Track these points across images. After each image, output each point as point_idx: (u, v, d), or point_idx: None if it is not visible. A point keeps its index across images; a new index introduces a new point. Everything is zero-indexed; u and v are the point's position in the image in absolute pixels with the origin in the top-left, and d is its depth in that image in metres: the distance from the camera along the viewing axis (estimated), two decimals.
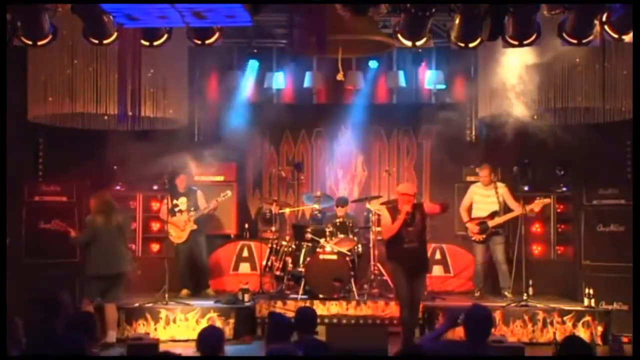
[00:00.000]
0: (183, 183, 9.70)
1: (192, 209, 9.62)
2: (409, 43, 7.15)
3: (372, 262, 9.50)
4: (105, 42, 6.98)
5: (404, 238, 7.71)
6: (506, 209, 9.36)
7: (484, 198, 9.40)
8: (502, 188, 9.39)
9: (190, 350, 7.99)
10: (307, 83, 11.00)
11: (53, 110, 8.94)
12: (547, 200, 9.39)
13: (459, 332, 5.21)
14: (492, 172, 9.44)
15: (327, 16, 6.81)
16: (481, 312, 4.68)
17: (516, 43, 6.80)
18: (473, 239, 9.44)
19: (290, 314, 8.17)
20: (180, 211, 9.62)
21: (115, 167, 10.16)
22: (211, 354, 4.51)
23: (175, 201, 9.64)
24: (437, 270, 10.33)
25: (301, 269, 9.27)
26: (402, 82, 10.96)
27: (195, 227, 9.62)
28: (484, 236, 9.32)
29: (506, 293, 9.18)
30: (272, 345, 4.73)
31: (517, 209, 9.10)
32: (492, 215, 9.26)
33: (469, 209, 9.54)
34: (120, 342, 8.04)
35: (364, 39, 8.79)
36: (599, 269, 9.05)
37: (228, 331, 8.57)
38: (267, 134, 11.27)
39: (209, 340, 4.55)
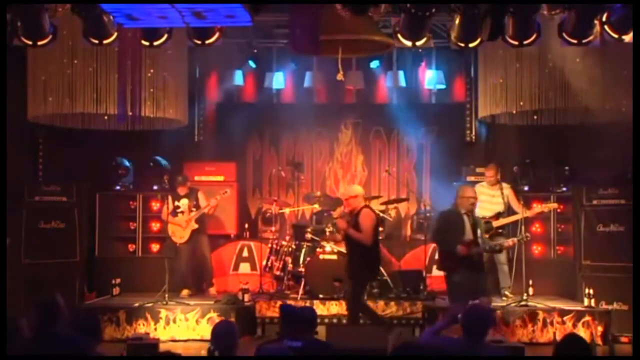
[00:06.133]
0: (184, 190, 9.70)
1: (194, 209, 9.62)
2: (409, 43, 7.15)
3: None
4: (105, 42, 6.98)
5: (345, 242, 7.95)
6: (510, 210, 9.33)
7: (489, 198, 9.37)
8: (507, 189, 9.35)
9: (190, 350, 8.02)
10: (307, 83, 11.01)
11: (53, 110, 8.95)
12: (553, 205, 9.40)
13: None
14: (498, 172, 9.41)
15: (321, 16, 6.81)
16: (479, 310, 4.69)
17: (516, 43, 6.81)
18: None
19: None
20: (182, 212, 9.63)
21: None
22: (225, 350, 4.56)
23: (177, 203, 9.64)
24: (437, 270, 10.29)
25: (301, 269, 9.27)
26: (402, 82, 10.97)
27: (196, 226, 9.61)
28: (487, 235, 9.30)
29: (506, 293, 9.18)
30: (265, 345, 4.74)
31: (520, 212, 9.06)
32: (497, 215, 9.25)
33: None
34: (120, 342, 8.03)
35: (364, 39, 8.78)
36: (599, 269, 9.04)
37: None
38: (267, 134, 11.28)
39: (223, 337, 4.61)
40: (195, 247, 9.70)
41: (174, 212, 9.61)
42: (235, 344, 4.67)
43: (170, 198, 9.67)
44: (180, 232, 9.60)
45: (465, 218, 7.70)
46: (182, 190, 9.67)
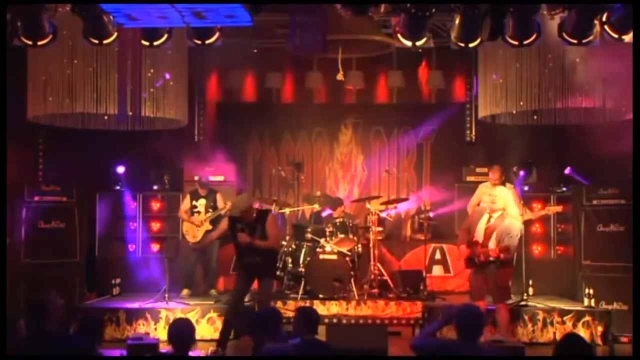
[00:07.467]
0: (204, 191, 9.70)
1: (210, 210, 9.60)
2: (409, 43, 7.16)
3: (372, 262, 9.49)
4: (105, 42, 6.99)
5: (244, 253, 7.51)
6: None
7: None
8: (511, 190, 9.32)
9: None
10: (307, 83, 11.02)
11: (53, 110, 8.94)
12: (557, 208, 9.39)
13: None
14: (502, 173, 9.35)
15: (327, 16, 6.81)
16: (472, 311, 4.65)
17: (516, 43, 6.82)
18: None
19: (290, 314, 8.23)
20: (199, 212, 9.61)
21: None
22: (181, 347, 4.57)
23: (194, 202, 9.63)
24: (437, 270, 10.32)
25: (301, 269, 9.27)
26: (402, 82, 10.97)
27: (210, 227, 9.57)
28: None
29: None
30: (267, 345, 4.74)
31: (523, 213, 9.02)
32: None
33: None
34: (120, 342, 8.02)
35: (363, 39, 8.79)
36: (599, 269, 9.04)
37: None
38: (267, 134, 11.28)
39: (180, 334, 4.61)
40: (206, 248, 9.65)
41: (191, 212, 9.61)
42: (192, 341, 4.65)
43: (188, 196, 9.67)
44: (193, 231, 9.57)
45: (485, 218, 7.69)
46: (202, 191, 9.68)
